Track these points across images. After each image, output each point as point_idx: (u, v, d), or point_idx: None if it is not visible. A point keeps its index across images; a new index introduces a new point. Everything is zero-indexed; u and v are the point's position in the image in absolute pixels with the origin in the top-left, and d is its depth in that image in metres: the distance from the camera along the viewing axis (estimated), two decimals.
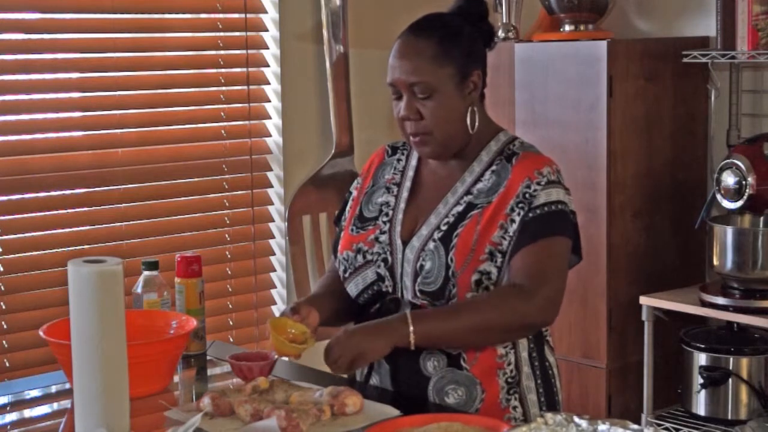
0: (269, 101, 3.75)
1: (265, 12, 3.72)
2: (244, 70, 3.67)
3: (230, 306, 3.68)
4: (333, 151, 3.81)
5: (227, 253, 3.66)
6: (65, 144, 3.35)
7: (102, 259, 1.90)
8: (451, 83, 2.13)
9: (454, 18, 2.19)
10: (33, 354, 3.18)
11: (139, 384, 2.09)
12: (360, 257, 2.22)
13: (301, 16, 3.76)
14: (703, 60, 3.48)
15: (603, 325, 3.54)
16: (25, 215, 3.25)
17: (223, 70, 3.65)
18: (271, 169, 3.76)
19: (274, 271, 3.80)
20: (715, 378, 3.32)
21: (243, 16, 3.65)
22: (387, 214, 2.25)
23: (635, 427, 1.63)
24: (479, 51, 2.19)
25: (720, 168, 3.38)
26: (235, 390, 2.07)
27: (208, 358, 2.50)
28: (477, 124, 2.18)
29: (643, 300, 3.45)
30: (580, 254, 2.22)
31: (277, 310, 3.76)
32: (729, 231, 3.33)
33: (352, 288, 2.24)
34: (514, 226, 2.11)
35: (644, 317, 3.45)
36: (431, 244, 2.14)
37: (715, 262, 3.35)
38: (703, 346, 3.38)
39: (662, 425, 3.41)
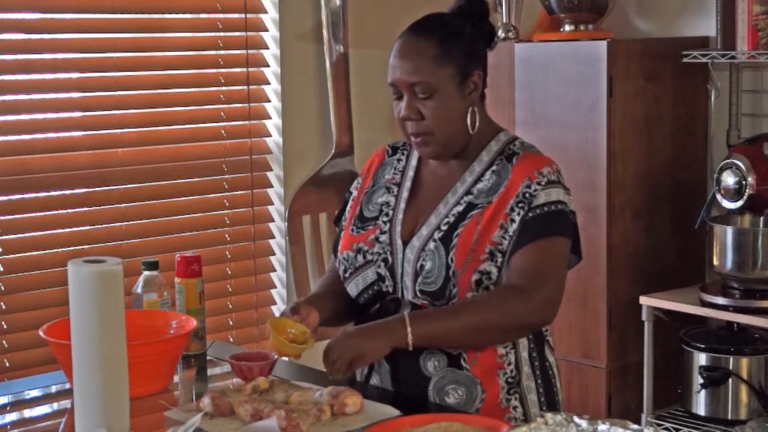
0: (269, 101, 3.75)
1: (265, 12, 3.72)
2: (244, 70, 3.67)
3: (230, 306, 3.68)
4: (333, 151, 3.81)
5: (227, 253, 3.66)
6: (65, 144, 3.35)
7: (102, 259, 1.90)
8: (452, 83, 2.14)
9: (454, 18, 2.19)
10: (33, 354, 3.18)
11: (139, 384, 2.09)
12: (360, 257, 2.22)
13: (301, 16, 3.76)
14: (703, 60, 3.48)
15: (603, 325, 3.54)
16: (25, 215, 3.25)
17: (223, 70, 3.65)
18: (271, 169, 3.76)
19: (274, 271, 3.80)
20: (715, 378, 3.32)
21: (243, 16, 3.65)
22: (387, 214, 2.25)
23: (635, 427, 1.63)
24: (480, 51, 2.20)
25: (720, 168, 3.38)
26: (235, 390, 2.07)
27: (208, 358, 2.50)
28: (477, 124, 2.18)
29: (643, 300, 3.45)
30: (580, 254, 2.22)
31: (277, 310, 3.76)
32: (729, 231, 3.33)
33: (353, 288, 2.24)
34: (514, 225, 2.11)
35: (644, 317, 3.45)
36: (431, 244, 2.14)
37: (715, 262, 3.35)
38: (703, 346, 3.38)
39: (662, 425, 3.41)
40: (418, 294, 2.14)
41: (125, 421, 1.89)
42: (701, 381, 3.35)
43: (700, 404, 3.38)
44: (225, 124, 3.65)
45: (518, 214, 2.12)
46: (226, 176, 3.65)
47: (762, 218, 3.42)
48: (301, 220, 3.77)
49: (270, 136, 3.76)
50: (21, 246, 3.24)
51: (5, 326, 3.20)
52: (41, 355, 3.09)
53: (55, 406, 2.32)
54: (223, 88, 3.65)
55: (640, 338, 3.47)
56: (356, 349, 2.05)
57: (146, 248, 3.44)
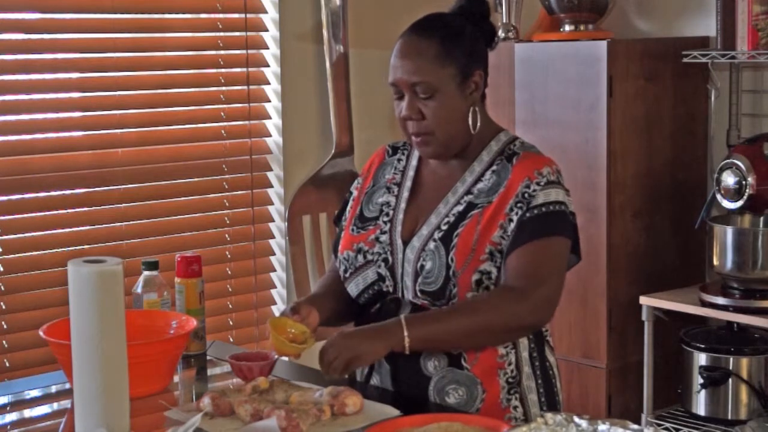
0: (269, 101, 3.75)
1: (265, 12, 3.72)
2: (244, 70, 3.67)
3: (230, 306, 3.68)
4: (333, 151, 3.81)
5: (227, 253, 3.66)
6: (65, 144, 3.35)
7: (102, 259, 1.90)
8: (453, 83, 2.14)
9: (455, 18, 2.19)
10: (33, 354, 3.18)
11: (139, 384, 2.09)
12: (360, 257, 2.22)
13: (301, 16, 3.76)
14: (703, 60, 3.48)
15: (603, 325, 3.54)
16: (25, 215, 3.25)
17: (223, 70, 3.65)
18: (271, 169, 3.76)
19: (274, 271, 3.80)
20: (715, 378, 3.32)
21: (243, 16, 3.65)
22: (387, 214, 2.25)
23: (635, 427, 1.63)
24: (481, 51, 2.20)
25: (720, 168, 3.38)
26: (235, 390, 2.07)
27: (208, 358, 2.50)
28: (479, 124, 2.18)
29: (643, 300, 3.45)
30: (580, 254, 2.22)
31: (277, 310, 3.76)
32: (729, 231, 3.33)
33: (353, 288, 2.24)
34: (512, 225, 2.11)
35: (644, 317, 3.45)
36: (432, 244, 2.14)
37: (715, 262, 3.35)
38: (703, 346, 3.38)
39: (662, 425, 3.41)
40: (419, 294, 2.14)
41: (125, 421, 1.89)
42: (701, 381, 3.35)
43: (700, 404, 3.38)
44: (225, 124, 3.65)
45: (516, 214, 2.12)
46: (226, 176, 3.65)
47: (762, 218, 3.42)
48: (301, 220, 3.77)
49: (270, 136, 3.76)
50: (21, 246, 3.24)
51: (5, 326, 3.20)
52: (41, 355, 3.09)
53: (55, 406, 2.32)
54: (223, 88, 3.65)
55: (640, 338, 3.47)
56: (354, 350, 2.04)
57: (146, 248, 3.44)
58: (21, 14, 3.25)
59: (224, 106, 3.65)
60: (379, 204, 2.28)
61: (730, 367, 3.32)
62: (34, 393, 2.33)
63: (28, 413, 2.29)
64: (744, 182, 3.30)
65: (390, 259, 2.19)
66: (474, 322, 2.08)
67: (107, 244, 3.38)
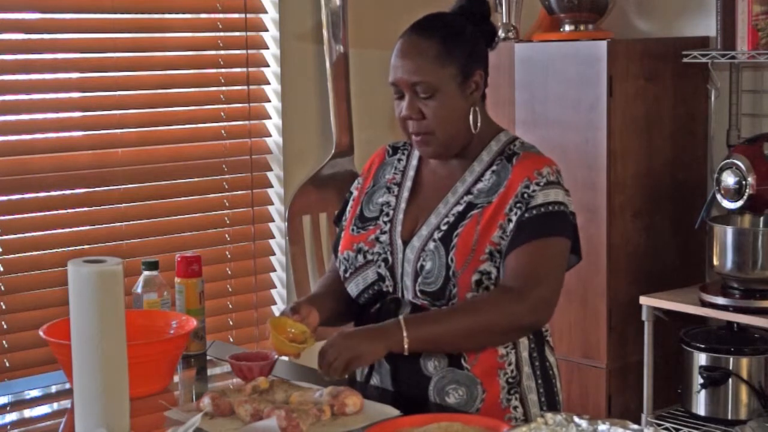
0: (269, 101, 3.75)
1: (265, 12, 3.72)
2: (244, 70, 3.67)
3: (230, 306, 3.68)
4: (333, 151, 3.81)
5: (227, 253, 3.66)
6: (65, 144, 3.35)
7: (102, 259, 1.90)
8: (453, 83, 2.14)
9: (456, 18, 2.19)
10: (33, 354, 3.18)
11: (139, 384, 2.09)
12: (360, 257, 2.22)
13: (301, 16, 3.76)
14: (703, 60, 3.48)
15: (603, 325, 3.54)
16: (25, 215, 3.25)
17: (223, 70, 3.65)
18: (271, 169, 3.76)
19: (274, 271, 3.80)
20: (715, 378, 3.32)
21: (243, 16, 3.65)
22: (387, 214, 2.25)
23: (635, 427, 1.63)
24: (481, 51, 2.20)
25: (720, 168, 3.38)
26: (235, 390, 2.07)
27: (208, 358, 2.50)
28: (479, 124, 2.18)
29: (643, 300, 3.45)
30: (580, 254, 2.22)
31: (277, 310, 3.76)
32: (729, 231, 3.33)
33: (353, 288, 2.24)
34: (511, 225, 2.11)
35: (644, 317, 3.45)
36: (431, 244, 2.14)
37: (715, 262, 3.35)
38: (703, 346, 3.38)
39: (662, 425, 3.41)
40: (419, 294, 2.14)
41: (125, 421, 1.89)
42: (701, 381, 3.35)
43: (700, 404, 3.38)
44: (225, 124, 3.65)
45: (516, 214, 2.12)
46: (226, 176, 3.65)
47: (762, 218, 3.42)
48: (301, 220, 3.77)
49: (270, 136, 3.76)
50: (21, 246, 3.24)
51: (5, 326, 3.20)
52: (41, 355, 3.09)
53: (55, 406, 2.32)
54: (223, 88, 3.65)
55: (640, 338, 3.47)
56: (353, 351, 2.04)
57: (146, 248, 3.44)
58: (21, 14, 3.25)
59: (224, 106, 3.65)
60: (379, 204, 2.28)
61: (730, 367, 3.32)
62: (34, 393, 2.33)
63: (28, 413, 2.29)
64: (744, 182, 3.30)
65: (390, 259, 2.19)
66: (473, 323, 2.08)
67: (107, 244, 3.38)
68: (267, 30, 3.73)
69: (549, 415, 1.68)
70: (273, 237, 3.78)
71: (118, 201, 3.41)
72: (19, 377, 2.88)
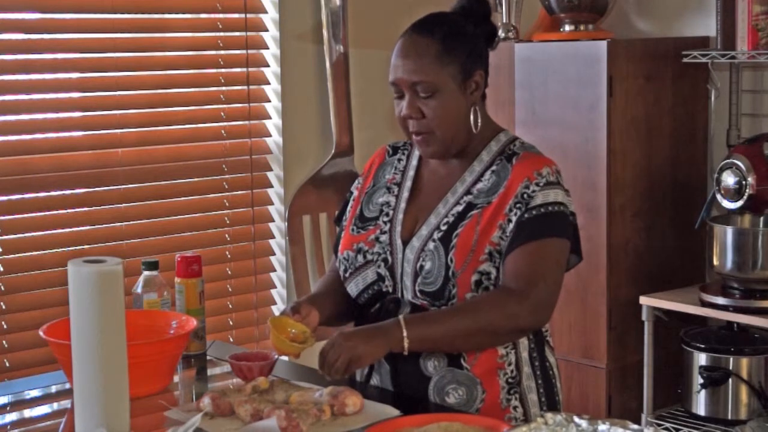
0: (269, 101, 3.75)
1: (265, 12, 3.72)
2: (244, 70, 3.67)
3: (230, 306, 3.68)
4: (333, 151, 3.81)
5: (227, 253, 3.66)
6: (65, 144, 3.35)
7: (102, 259, 1.90)
8: (454, 83, 2.14)
9: (457, 17, 2.19)
10: (33, 354, 3.18)
11: (139, 384, 2.09)
12: (360, 257, 2.22)
13: (301, 16, 3.76)
14: (703, 60, 3.48)
15: (603, 325, 3.54)
16: (25, 215, 3.25)
17: (223, 70, 3.65)
18: (271, 169, 3.76)
19: (274, 271, 3.80)
20: (715, 378, 3.32)
21: (243, 16, 3.65)
22: (387, 214, 2.25)
23: (635, 427, 1.62)
24: (482, 51, 2.20)
25: (720, 168, 3.38)
26: (235, 390, 2.07)
27: (208, 358, 2.50)
28: (479, 123, 2.18)
29: (643, 300, 3.45)
30: (581, 254, 2.22)
31: (277, 310, 3.76)
32: (729, 231, 3.33)
33: (353, 288, 2.24)
34: (511, 226, 2.11)
35: (644, 317, 3.45)
36: (431, 244, 2.14)
37: (715, 262, 3.35)
38: (703, 346, 3.38)
39: (662, 425, 3.41)
40: (418, 294, 2.14)
41: (125, 421, 1.89)
42: (701, 381, 3.35)
43: (700, 404, 3.38)
44: (225, 124, 3.65)
45: (515, 214, 2.12)
46: (226, 176, 3.65)
47: (762, 218, 3.42)
48: (301, 220, 3.77)
49: (270, 136, 3.76)
50: (21, 246, 3.24)
51: (5, 326, 3.20)
52: (41, 355, 3.09)
53: (55, 406, 2.32)
54: (223, 88, 3.65)
55: (640, 338, 3.47)
56: (354, 351, 2.04)
57: (146, 248, 3.44)
58: (21, 14, 3.25)
59: (224, 106, 3.65)
60: (379, 204, 2.28)
61: (730, 367, 3.32)
62: (34, 393, 2.33)
63: (28, 413, 2.29)
64: (744, 182, 3.30)
65: (389, 259, 2.19)
66: (472, 323, 2.08)
67: (107, 244, 3.38)
68: (267, 30, 3.73)
69: (549, 415, 1.68)
70: (273, 237, 3.78)
71: (118, 201, 3.41)
72: (19, 377, 2.89)
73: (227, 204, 3.66)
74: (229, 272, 3.67)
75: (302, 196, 3.76)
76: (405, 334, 2.05)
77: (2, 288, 3.19)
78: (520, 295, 2.08)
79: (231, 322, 3.68)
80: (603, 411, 3.54)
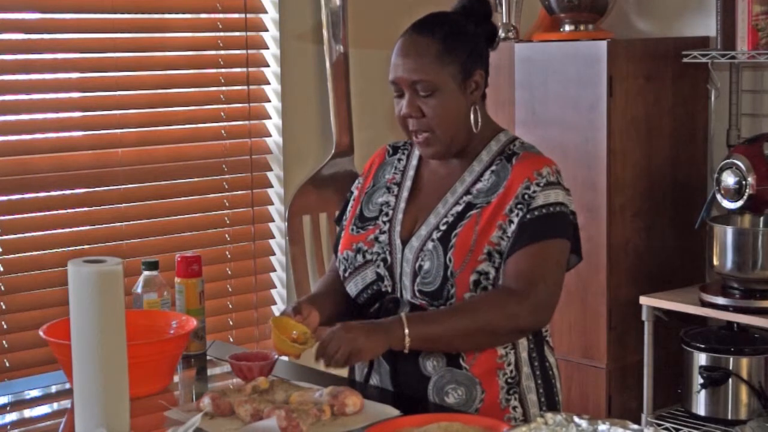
0: (269, 101, 3.75)
1: (265, 12, 3.72)
2: (244, 70, 3.67)
3: (230, 306, 3.68)
4: (333, 151, 3.81)
5: (227, 253, 3.66)
6: (65, 144, 3.35)
7: (102, 259, 1.90)
8: (454, 82, 2.14)
9: (457, 17, 2.19)
10: (33, 354, 3.18)
11: (139, 384, 2.09)
12: (360, 257, 2.22)
13: (301, 16, 3.76)
14: (703, 60, 3.48)
15: (603, 325, 3.54)
16: (25, 215, 3.25)
17: (223, 70, 3.65)
18: (271, 169, 3.76)
19: (274, 271, 3.80)
20: (715, 378, 3.32)
21: (243, 16, 3.65)
22: (387, 214, 2.25)
23: (635, 427, 1.62)
24: (482, 51, 2.20)
25: (720, 168, 3.38)
26: (235, 390, 2.07)
27: (208, 358, 2.50)
28: (479, 123, 2.18)
29: (643, 300, 3.45)
30: (581, 254, 2.22)
31: (277, 310, 3.76)
32: (729, 231, 3.33)
33: (352, 287, 2.24)
34: (513, 227, 2.11)
35: (644, 317, 3.45)
36: (430, 244, 2.14)
37: (715, 262, 3.35)
38: (703, 346, 3.38)
39: (662, 425, 3.41)
40: (417, 294, 2.14)
41: (125, 421, 1.89)
42: (701, 381, 3.35)
43: (700, 404, 3.38)
44: (225, 124, 3.65)
45: (517, 215, 2.12)
46: (226, 176, 3.65)
47: (762, 218, 3.42)
48: (301, 220, 3.77)
49: (270, 136, 3.76)
50: (21, 246, 3.24)
51: (5, 326, 3.20)
52: (41, 355, 3.09)
53: (55, 406, 2.32)
54: (223, 88, 3.65)
55: (640, 338, 3.47)
56: (355, 344, 2.04)
57: (146, 248, 3.44)
58: (21, 14, 3.25)
59: (224, 106, 3.65)
60: (379, 204, 2.28)
61: (730, 367, 3.32)
62: (34, 393, 2.33)
63: (28, 413, 2.29)
64: (744, 182, 3.30)
65: (389, 259, 2.19)
66: (473, 323, 2.08)
67: (107, 244, 3.38)
68: (267, 30, 3.73)
69: (549, 415, 1.68)
70: (273, 237, 3.78)
71: (118, 201, 3.41)
72: (19, 377, 2.89)
73: (227, 204, 3.66)
74: (229, 272, 3.67)
75: (302, 196, 3.76)
76: (407, 332, 2.05)
77: (2, 288, 3.19)
78: (521, 296, 2.08)
79: (231, 322, 3.68)
80: (603, 411, 3.54)
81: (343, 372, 2.32)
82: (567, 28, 3.73)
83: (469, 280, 2.10)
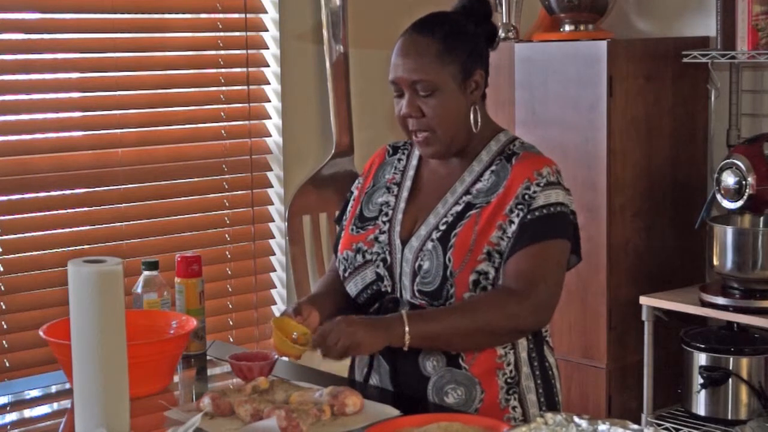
0: (269, 101, 3.75)
1: (265, 12, 3.72)
2: (244, 70, 3.67)
3: (230, 306, 3.68)
4: (333, 151, 3.81)
5: (227, 253, 3.66)
6: (65, 144, 3.35)
7: (102, 259, 1.90)
8: (454, 82, 2.14)
9: (457, 17, 2.19)
10: (33, 354, 3.18)
11: (139, 384, 2.09)
12: (359, 257, 2.22)
13: (301, 16, 3.76)
14: (703, 60, 3.48)
15: (603, 325, 3.54)
16: (25, 215, 3.25)
17: (223, 70, 3.65)
18: (271, 169, 3.76)
19: (274, 271, 3.80)
20: (715, 378, 3.32)
21: (243, 16, 3.65)
22: (387, 214, 2.25)
23: (635, 427, 1.62)
24: (482, 50, 2.20)
25: (720, 168, 3.38)
26: (235, 390, 2.07)
27: (208, 358, 2.50)
28: (479, 123, 2.18)
29: (643, 300, 3.45)
30: (580, 255, 2.22)
31: (277, 310, 3.76)
32: (729, 231, 3.33)
33: (352, 287, 2.24)
34: (513, 227, 2.11)
35: (644, 317, 3.45)
36: (429, 244, 2.14)
37: (715, 262, 3.35)
38: (703, 346, 3.38)
39: (662, 425, 3.41)
40: (417, 294, 2.14)
41: (125, 421, 1.89)
42: (701, 381, 3.35)
43: (700, 404, 3.38)
44: (225, 124, 3.66)
45: (517, 215, 2.11)
46: (226, 176, 3.65)
47: (762, 218, 3.42)
48: (301, 220, 3.77)
49: (270, 136, 3.76)
50: (21, 246, 3.24)
51: (5, 326, 3.20)
52: (41, 355, 3.09)
53: (55, 406, 2.31)
54: (223, 88, 3.65)
55: (640, 338, 3.47)
56: (354, 337, 2.04)
57: (146, 248, 3.44)
58: (21, 14, 3.26)
59: (224, 106, 3.65)
60: (379, 204, 2.28)
61: (730, 367, 3.32)
62: (34, 393, 2.33)
63: (28, 413, 2.29)
64: (744, 182, 3.30)
65: (388, 258, 2.19)
66: (474, 322, 2.08)
67: (107, 244, 3.38)
68: (267, 30, 3.73)
69: (549, 415, 1.68)
70: (273, 237, 3.78)
71: (118, 201, 3.41)
72: (19, 377, 2.89)
73: (227, 204, 3.66)
74: (229, 272, 3.68)
75: (302, 196, 3.76)
76: (407, 329, 2.05)
77: (2, 288, 3.19)
78: (521, 296, 2.08)
79: (231, 322, 3.68)
80: (603, 411, 3.54)
81: (343, 372, 2.32)
82: (567, 28, 3.73)
83: (468, 280, 2.10)
